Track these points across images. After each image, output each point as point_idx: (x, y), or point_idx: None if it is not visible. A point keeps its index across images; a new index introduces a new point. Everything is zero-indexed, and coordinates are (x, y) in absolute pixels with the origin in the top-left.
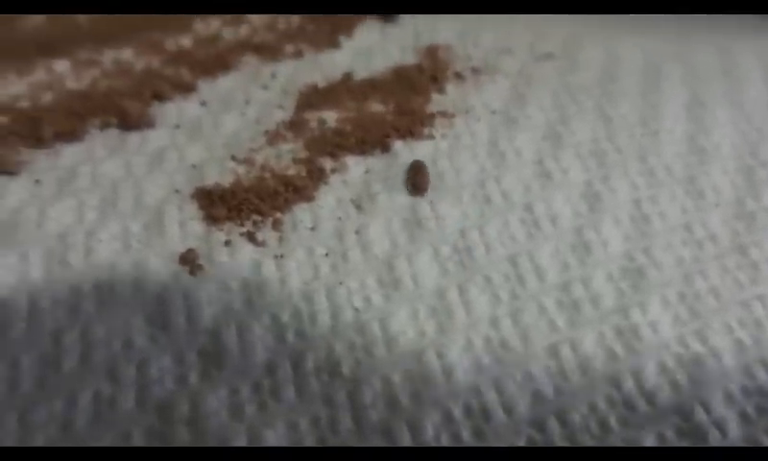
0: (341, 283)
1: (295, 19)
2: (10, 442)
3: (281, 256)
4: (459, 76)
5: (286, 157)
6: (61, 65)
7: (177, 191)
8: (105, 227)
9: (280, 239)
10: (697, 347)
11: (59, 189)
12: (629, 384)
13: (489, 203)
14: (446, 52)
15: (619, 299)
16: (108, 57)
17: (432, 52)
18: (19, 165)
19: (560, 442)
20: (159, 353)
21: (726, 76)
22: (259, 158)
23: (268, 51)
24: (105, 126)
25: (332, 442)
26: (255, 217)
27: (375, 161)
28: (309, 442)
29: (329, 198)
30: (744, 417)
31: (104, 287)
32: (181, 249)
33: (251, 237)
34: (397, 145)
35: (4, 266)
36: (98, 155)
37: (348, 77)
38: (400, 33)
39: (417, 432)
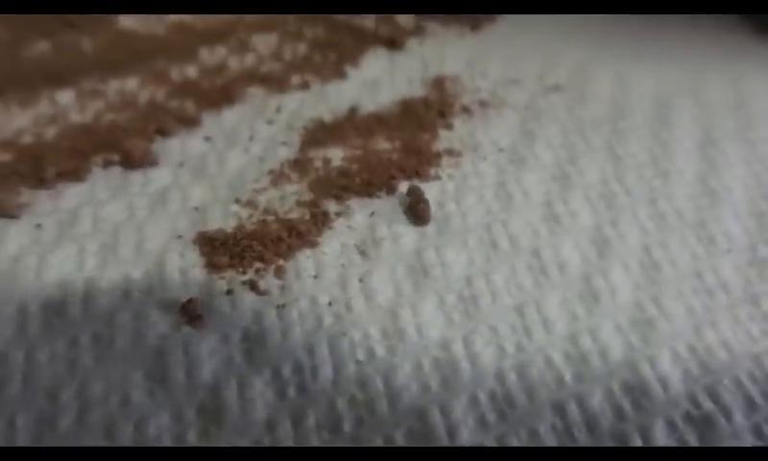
0: (344, 334)
1: (301, 48)
2: None
3: (283, 306)
4: (466, 109)
5: (290, 199)
6: (66, 96)
7: (179, 237)
8: (105, 274)
9: (283, 288)
10: (708, 405)
11: (59, 234)
12: (636, 445)
13: (495, 248)
14: (454, 83)
15: (628, 352)
16: (113, 87)
17: (439, 83)
18: (20, 208)
19: None
20: (158, 410)
21: (737, 111)
22: (263, 201)
23: (274, 82)
24: (108, 164)
25: None
26: (258, 265)
27: (381, 204)
28: None
29: (333, 243)
30: None
31: (102, 340)
32: (182, 298)
33: (252, 286)
34: (403, 186)
35: (3, 318)
36: (100, 196)
37: (353, 111)
38: (408, 62)
39: None
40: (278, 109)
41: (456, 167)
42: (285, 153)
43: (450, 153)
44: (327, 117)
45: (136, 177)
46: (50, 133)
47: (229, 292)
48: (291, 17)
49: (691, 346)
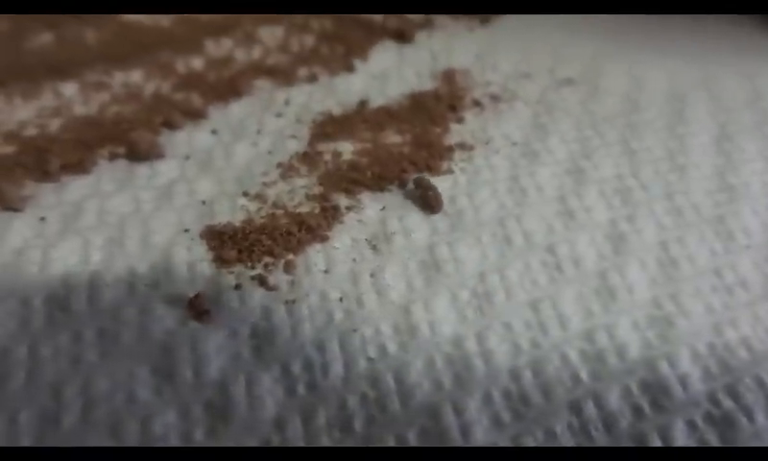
0: (355, 331)
1: (308, 41)
2: None
3: (293, 302)
4: (477, 103)
5: (299, 193)
6: (70, 88)
7: (186, 230)
8: (110, 269)
9: (292, 283)
10: (728, 404)
11: (64, 227)
12: (656, 445)
13: (509, 243)
14: (464, 77)
15: (646, 350)
16: (118, 79)
17: (449, 77)
18: (24, 201)
19: None
20: (164, 408)
21: (753, 105)
22: (271, 194)
23: (281, 75)
24: (113, 157)
25: None
26: (267, 259)
27: (392, 198)
28: None
29: (344, 238)
30: None
31: (108, 335)
32: (189, 293)
33: (261, 281)
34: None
35: (5, 312)
36: (105, 189)
37: (363, 105)
38: (417, 55)
39: None
40: (287, 102)
41: (468, 161)
42: (294, 146)
43: (462, 147)
44: (336, 110)
45: (142, 169)
46: (54, 125)
47: (238, 287)
48: None
49: (711, 344)
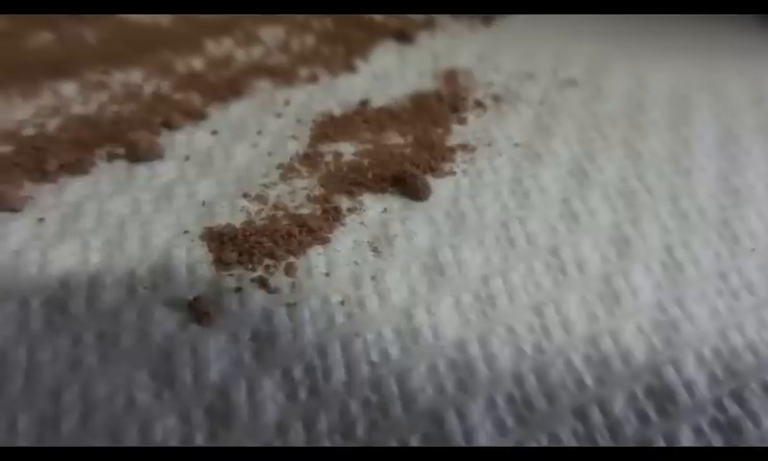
0: (357, 335)
1: (309, 41)
2: None
3: (294, 305)
4: (480, 104)
5: (300, 194)
6: (68, 88)
7: (185, 232)
8: (110, 270)
9: (293, 286)
10: (735, 410)
11: (62, 228)
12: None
13: (512, 246)
14: (466, 77)
15: (651, 355)
16: (117, 79)
17: (451, 77)
18: (22, 201)
19: None
20: (164, 412)
21: (757, 107)
22: (272, 195)
23: (282, 75)
24: (112, 157)
25: None
26: (268, 261)
27: (393, 200)
28: None
29: (346, 240)
30: None
31: (107, 338)
32: (189, 296)
33: (262, 283)
34: (418, 182)
35: (3, 315)
36: (104, 190)
37: (364, 105)
38: (418, 55)
39: None
40: (287, 103)
41: (471, 163)
42: (295, 147)
43: (464, 148)
44: (337, 111)
45: (142, 170)
46: (52, 124)
47: (238, 290)
48: None
49: (716, 349)
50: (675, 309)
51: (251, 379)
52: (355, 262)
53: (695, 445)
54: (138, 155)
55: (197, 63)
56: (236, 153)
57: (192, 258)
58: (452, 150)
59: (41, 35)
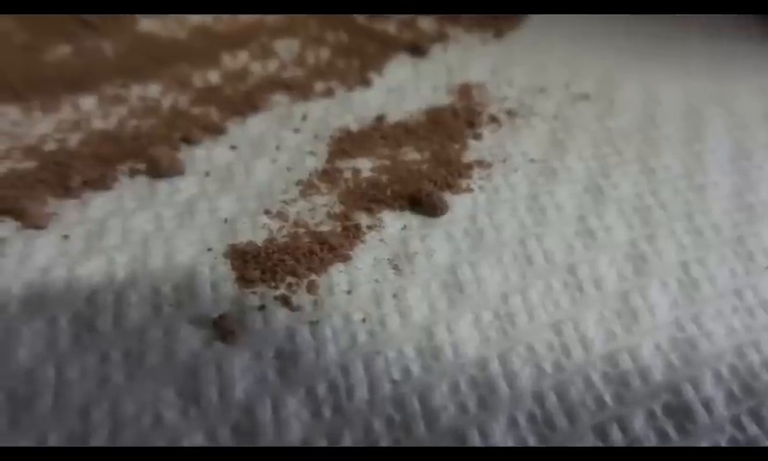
0: (378, 352)
1: (324, 54)
2: None
3: (317, 323)
4: (494, 119)
5: (321, 211)
6: (88, 102)
7: (209, 249)
8: (135, 288)
9: (315, 303)
10: (753, 429)
11: (88, 245)
12: None
13: (530, 264)
14: (480, 91)
15: (669, 373)
16: (135, 92)
17: (465, 91)
18: (47, 218)
19: None
20: (191, 430)
21: None
22: (293, 212)
23: (298, 89)
24: (134, 173)
25: None
26: (290, 279)
27: (412, 217)
28: None
29: (366, 258)
30: None
31: (134, 356)
32: (214, 313)
33: (285, 301)
34: (434, 199)
35: (33, 332)
36: (127, 205)
37: (380, 120)
38: (432, 69)
39: None
40: (304, 117)
41: (487, 179)
42: (313, 163)
43: (481, 164)
44: (354, 126)
45: (163, 186)
46: (73, 139)
47: (261, 308)
48: (313, 22)
49: (733, 366)
50: (692, 327)
51: (275, 397)
52: (376, 280)
53: None
54: (160, 171)
55: (213, 77)
56: (256, 168)
57: (216, 276)
58: (469, 166)
59: (59, 48)
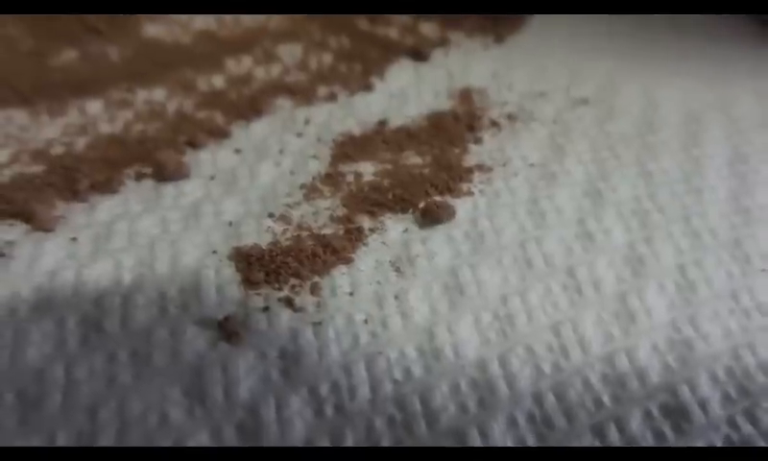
0: (380, 353)
1: (326, 59)
2: None
3: (319, 324)
4: (494, 123)
5: (324, 214)
6: (94, 106)
7: (214, 252)
8: (141, 290)
9: (318, 305)
10: (748, 429)
11: (95, 248)
12: None
13: (530, 266)
14: (480, 96)
15: (666, 374)
16: (141, 97)
17: (466, 96)
18: (55, 221)
19: None
20: (196, 429)
21: (766, 127)
22: (296, 215)
23: (301, 93)
24: (140, 176)
25: None
26: (294, 281)
27: (414, 220)
28: None
29: (368, 260)
30: None
31: (140, 356)
32: (218, 315)
33: (288, 303)
34: (438, 210)
35: (42, 333)
36: (134, 209)
37: (382, 125)
38: (433, 73)
39: None
40: (307, 122)
41: (488, 183)
42: (316, 166)
43: (481, 168)
44: (356, 130)
45: (169, 189)
46: (80, 143)
47: (266, 309)
48: (315, 27)
49: (729, 368)
50: (688, 328)
51: (279, 397)
52: (378, 282)
53: None
54: (166, 175)
55: (218, 81)
56: (260, 172)
57: (221, 279)
58: (470, 170)
59: (65, 52)
